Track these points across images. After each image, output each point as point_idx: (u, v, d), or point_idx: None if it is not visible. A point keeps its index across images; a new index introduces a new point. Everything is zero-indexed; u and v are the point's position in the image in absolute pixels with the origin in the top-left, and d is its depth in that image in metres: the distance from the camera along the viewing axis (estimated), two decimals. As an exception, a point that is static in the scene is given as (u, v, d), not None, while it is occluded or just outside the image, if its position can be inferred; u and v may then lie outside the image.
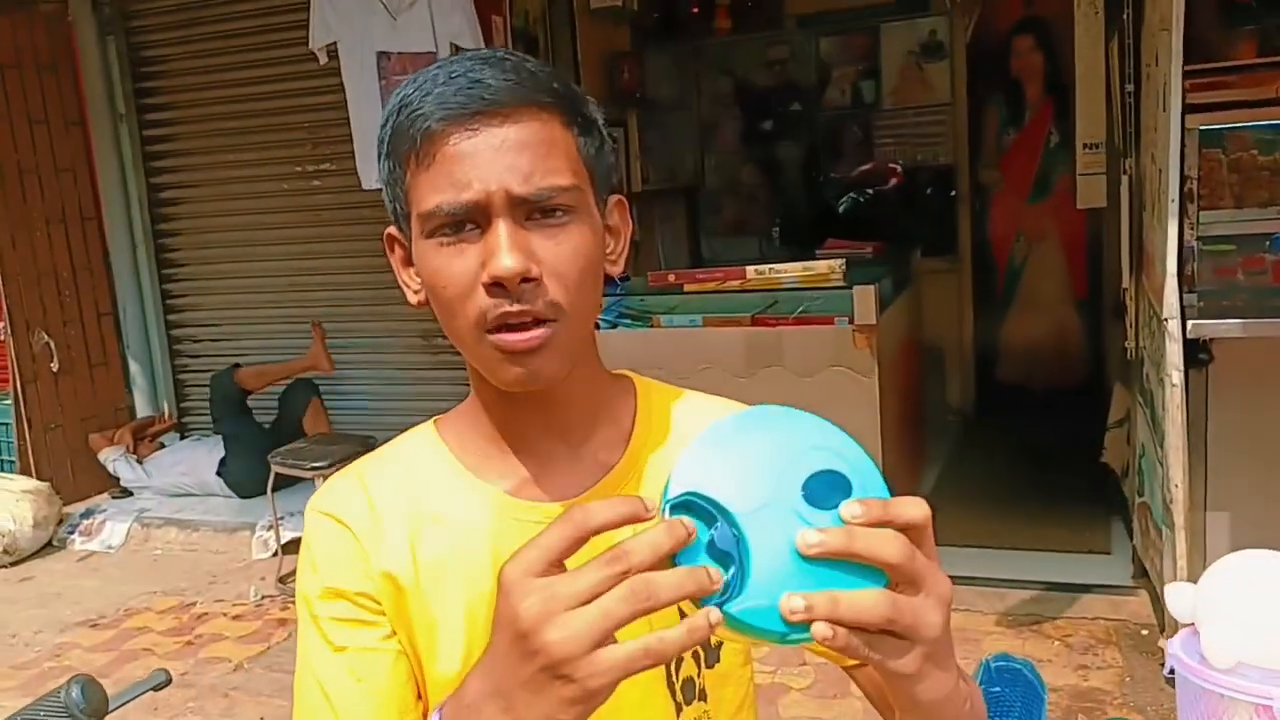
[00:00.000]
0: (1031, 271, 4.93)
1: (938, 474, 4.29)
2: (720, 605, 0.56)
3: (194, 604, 3.81)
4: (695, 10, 5.27)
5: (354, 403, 4.75)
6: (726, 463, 0.59)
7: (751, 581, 0.56)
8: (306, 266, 4.81)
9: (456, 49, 3.48)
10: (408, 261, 0.81)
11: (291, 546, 4.04)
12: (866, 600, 0.56)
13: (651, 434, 0.86)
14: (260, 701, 3.05)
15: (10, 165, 4.59)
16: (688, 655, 0.84)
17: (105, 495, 4.81)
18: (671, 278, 3.62)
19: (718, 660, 0.86)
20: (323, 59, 3.49)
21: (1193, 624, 1.13)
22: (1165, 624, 2.75)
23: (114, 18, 4.88)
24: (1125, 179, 3.10)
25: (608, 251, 0.82)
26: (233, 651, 3.39)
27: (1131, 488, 3.30)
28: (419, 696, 0.82)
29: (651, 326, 3.43)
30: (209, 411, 4.75)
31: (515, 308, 0.73)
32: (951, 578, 0.61)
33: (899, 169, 5.18)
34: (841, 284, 3.36)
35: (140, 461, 4.78)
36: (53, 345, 4.73)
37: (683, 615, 0.57)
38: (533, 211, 0.73)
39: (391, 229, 0.82)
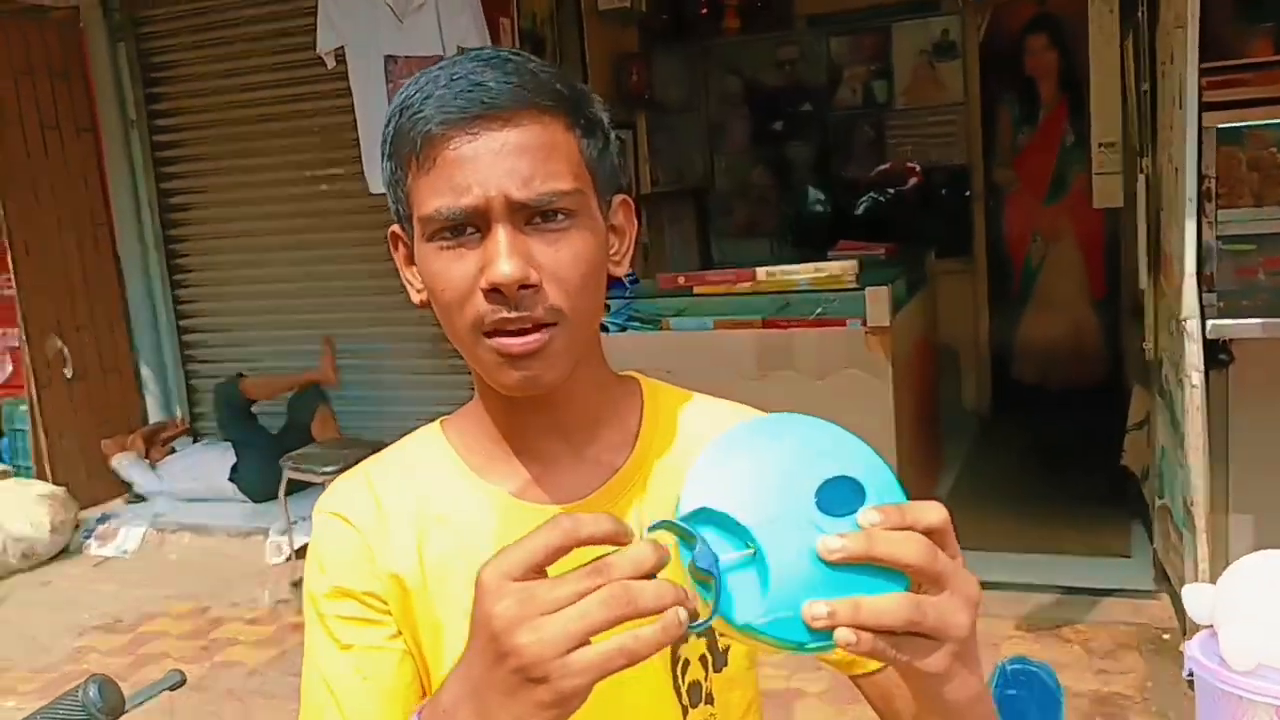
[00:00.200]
0: (1048, 271, 4.89)
1: (954, 477, 4.26)
2: (741, 617, 0.56)
3: (209, 608, 3.83)
4: (704, 11, 5.25)
5: (362, 408, 4.75)
6: (737, 475, 0.59)
7: (773, 593, 0.56)
8: (316, 271, 4.82)
9: (464, 52, 3.48)
10: (410, 260, 0.81)
11: (305, 551, 4.04)
12: (888, 603, 0.56)
13: (658, 436, 0.86)
14: (275, 705, 3.07)
15: (22, 171, 4.62)
16: (694, 659, 0.84)
17: (120, 500, 4.83)
18: (681, 280, 3.61)
19: (725, 664, 0.85)
20: (330, 63, 3.50)
21: (1211, 626, 1.11)
22: (1187, 628, 2.70)
23: (125, 24, 4.90)
24: (1142, 178, 3.07)
25: (611, 252, 0.82)
26: (247, 655, 3.40)
27: (1152, 490, 3.26)
28: (424, 696, 0.82)
29: (661, 329, 3.41)
30: (216, 419, 4.77)
31: (513, 314, 0.73)
32: (971, 581, 0.60)
33: (917, 169, 5.15)
34: (854, 285, 3.33)
35: (153, 466, 4.80)
36: (66, 351, 4.76)
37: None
38: (533, 216, 0.73)
39: (395, 228, 0.83)
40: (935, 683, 0.59)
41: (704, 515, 0.58)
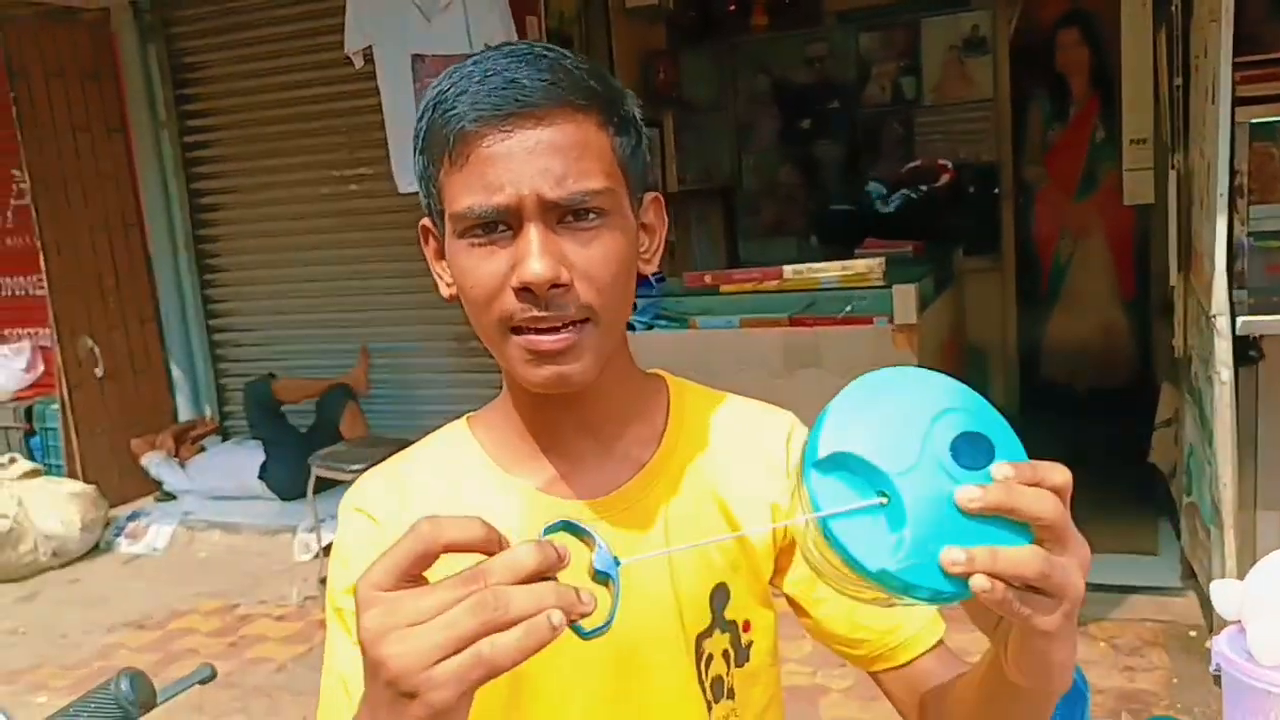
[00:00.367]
0: (1077, 269, 4.85)
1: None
2: (873, 562, 0.56)
3: (237, 605, 3.87)
4: (732, 8, 5.23)
5: (390, 406, 4.79)
6: (871, 423, 0.59)
7: (909, 538, 0.57)
8: (344, 271, 4.86)
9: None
10: (440, 254, 0.82)
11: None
12: (1024, 555, 0.56)
13: (684, 432, 0.86)
14: (303, 701, 3.08)
15: (54, 173, 4.67)
16: (717, 654, 0.84)
17: (150, 498, 4.88)
18: (708, 279, 3.61)
19: (747, 660, 0.86)
20: (358, 63, 3.51)
21: (1239, 621, 1.11)
22: (1214, 625, 2.70)
23: (155, 25, 4.96)
24: (1173, 174, 3.04)
25: (641, 250, 0.82)
26: (276, 652, 3.43)
27: (1179, 488, 3.24)
28: None
29: (688, 328, 3.42)
30: (246, 418, 4.81)
31: (544, 313, 0.73)
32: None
33: (949, 166, 5.11)
34: (881, 283, 3.32)
35: (182, 465, 4.84)
36: (97, 351, 4.81)
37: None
38: (564, 215, 0.73)
39: (425, 221, 0.83)
40: (1045, 641, 0.60)
41: (839, 459, 0.58)
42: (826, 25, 5.31)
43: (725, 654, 0.85)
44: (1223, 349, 2.46)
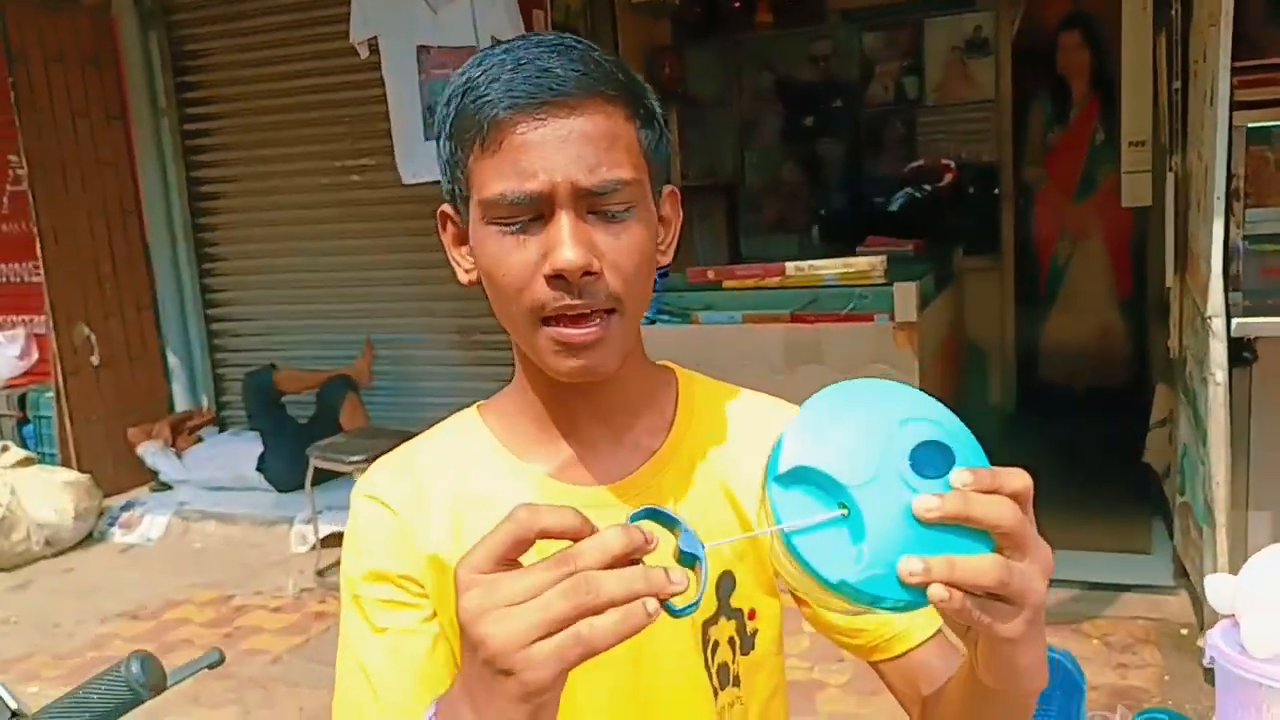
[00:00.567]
0: (1075, 270, 4.88)
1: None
2: (834, 574, 0.57)
3: (233, 596, 3.85)
4: (737, 4, 5.24)
5: (391, 398, 4.78)
6: (832, 436, 0.60)
7: (868, 550, 0.57)
8: (345, 261, 4.84)
9: (498, 43, 3.50)
10: (460, 240, 0.82)
11: (330, 540, 4.05)
12: (982, 563, 0.57)
13: (693, 423, 0.88)
14: (299, 693, 3.08)
15: (52, 159, 4.64)
16: (723, 641, 0.85)
17: (145, 488, 4.85)
18: (711, 274, 3.63)
19: (752, 648, 0.87)
20: (363, 53, 3.50)
21: (1232, 615, 1.14)
22: (1205, 623, 2.73)
23: (156, 12, 4.93)
24: (1171, 176, 3.07)
25: (659, 242, 0.82)
26: (272, 644, 3.42)
27: (1173, 487, 3.27)
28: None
29: (691, 323, 3.44)
30: (245, 409, 4.79)
31: (578, 302, 0.74)
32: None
33: (952, 165, 5.14)
34: (882, 281, 3.35)
35: (179, 455, 4.81)
36: (93, 338, 4.78)
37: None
38: (594, 204, 0.74)
39: (445, 207, 0.83)
40: (1010, 647, 0.60)
41: (800, 473, 0.59)
42: (830, 24, 5.33)
43: (731, 641, 0.86)
44: (1218, 350, 2.48)
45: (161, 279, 5.14)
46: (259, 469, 4.58)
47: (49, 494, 4.36)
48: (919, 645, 0.88)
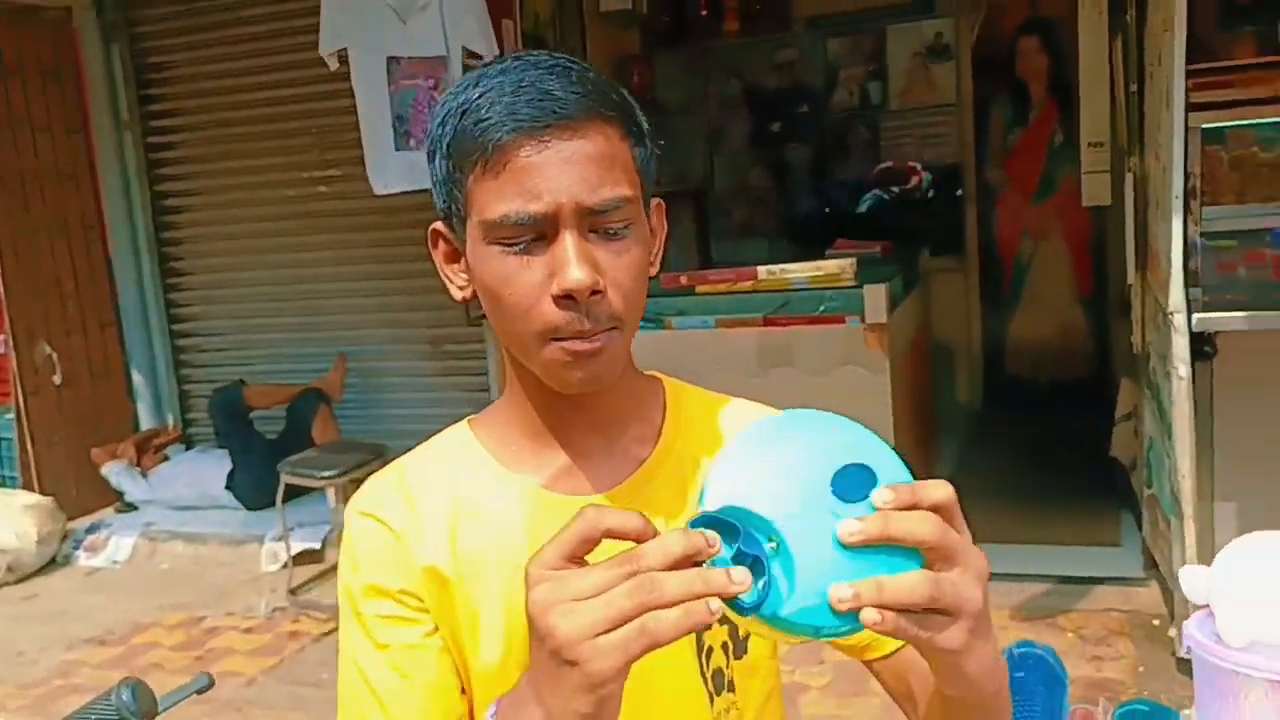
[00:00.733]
0: (1037, 269, 4.97)
1: (949, 471, 4.32)
2: (768, 608, 0.58)
3: (203, 618, 3.79)
4: (704, 13, 5.30)
5: (363, 411, 4.75)
6: (755, 472, 0.61)
7: (798, 582, 0.58)
8: (312, 274, 4.80)
9: (469, 53, 3.50)
10: (453, 258, 0.83)
11: (302, 558, 4.02)
12: (909, 581, 0.58)
13: (681, 431, 0.89)
14: (274, 715, 3.04)
15: (12, 173, 4.56)
16: (717, 646, 0.86)
17: (109, 510, 4.76)
18: (683, 279, 3.65)
19: (745, 652, 0.88)
20: (333, 65, 3.48)
21: (1207, 605, 1.17)
22: (1176, 614, 2.79)
23: (118, 24, 4.87)
24: (1130, 176, 3.14)
25: (649, 254, 0.84)
26: (245, 665, 3.36)
27: (1140, 480, 3.34)
28: (462, 690, 0.84)
29: (664, 329, 3.46)
30: (212, 426, 4.72)
31: (588, 326, 0.75)
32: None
33: (919, 168, 5.21)
34: (853, 283, 3.39)
35: (144, 475, 4.73)
36: (55, 357, 4.69)
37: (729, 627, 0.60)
38: (596, 223, 0.76)
39: (438, 225, 0.84)
40: (954, 657, 0.61)
41: (727, 513, 0.60)
42: (796, 31, 5.39)
43: (725, 646, 0.87)
44: (1180, 345, 2.53)
45: (125, 295, 5.06)
46: (228, 487, 4.52)
47: (10, 518, 4.27)
48: (906, 644, 0.89)
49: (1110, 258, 4.40)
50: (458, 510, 0.84)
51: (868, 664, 0.91)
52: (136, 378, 5.12)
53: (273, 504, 3.91)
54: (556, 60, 0.77)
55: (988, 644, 0.63)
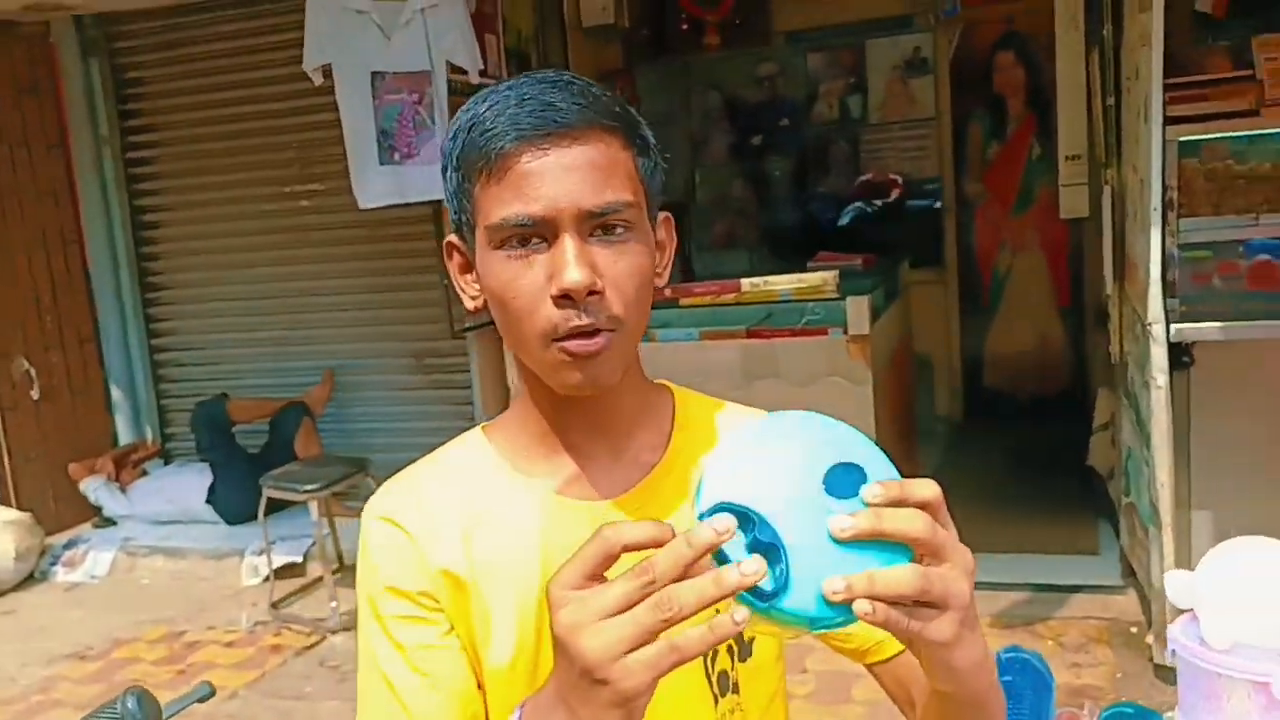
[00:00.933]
0: (1016, 280, 5.04)
1: (929, 480, 4.35)
2: (772, 598, 0.60)
3: (184, 632, 3.77)
4: (685, 27, 5.33)
5: (346, 424, 4.73)
6: (749, 470, 0.63)
7: (793, 576, 0.60)
8: (293, 288, 4.78)
9: (453, 68, 3.51)
10: (467, 269, 0.86)
11: (284, 572, 4.01)
12: (900, 574, 0.60)
13: (689, 437, 0.91)
14: (257, 730, 3.04)
15: (-11, 189, 4.53)
16: (722, 649, 0.88)
17: (88, 525, 4.73)
18: (668, 291, 3.66)
19: (750, 654, 0.89)
20: (318, 80, 3.48)
21: (1191, 610, 1.19)
22: (1154, 621, 2.82)
23: (97, 39, 4.84)
24: (1107, 189, 3.18)
25: (656, 265, 0.86)
26: (227, 679, 3.33)
27: (1118, 489, 3.37)
28: (479, 688, 0.86)
29: (649, 341, 3.47)
30: (194, 440, 4.69)
31: (585, 321, 0.77)
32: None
33: (899, 181, 5.27)
34: (835, 295, 3.42)
35: (123, 490, 4.70)
36: (33, 372, 4.66)
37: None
38: (595, 228, 0.78)
39: (452, 237, 0.87)
40: (944, 650, 0.63)
41: (722, 509, 0.61)
42: (776, 45, 5.43)
43: (729, 649, 0.88)
44: (1158, 355, 2.57)
45: (104, 310, 5.03)
46: (208, 501, 4.49)
47: (-12, 534, 4.23)
48: (906, 649, 0.90)
49: (1088, 269, 4.45)
50: (471, 514, 0.86)
51: (869, 668, 0.93)
52: (115, 393, 5.08)
53: (254, 518, 3.89)
54: (560, 76, 0.80)
55: (976, 638, 0.65)
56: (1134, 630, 3.04)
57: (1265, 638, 1.11)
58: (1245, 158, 2.85)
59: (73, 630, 3.87)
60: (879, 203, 5.29)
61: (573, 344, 0.78)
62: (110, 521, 4.72)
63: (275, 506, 3.88)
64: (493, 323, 0.85)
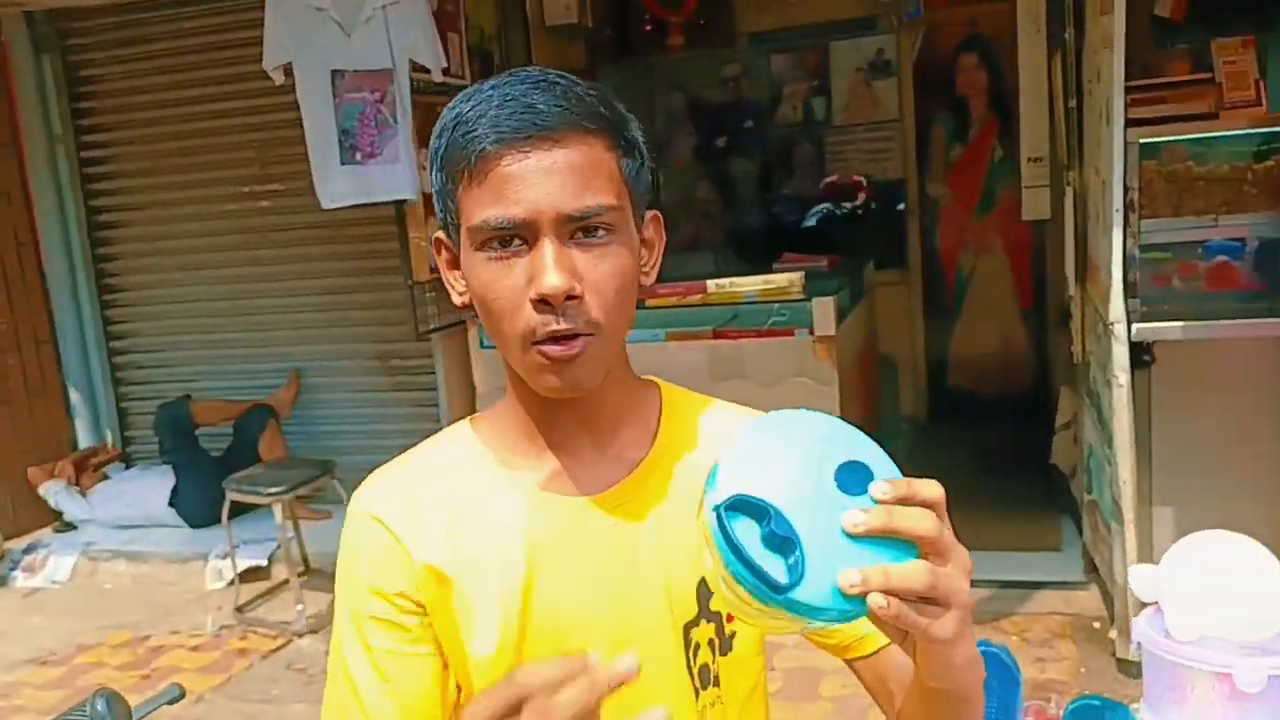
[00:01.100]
0: (979, 282, 5.09)
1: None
2: (787, 590, 0.61)
3: (148, 637, 3.73)
4: (649, 28, 5.33)
5: (310, 427, 4.68)
6: (764, 465, 0.64)
7: (808, 568, 0.61)
8: (256, 289, 4.72)
9: (415, 66, 3.48)
10: (453, 265, 0.87)
11: (248, 575, 3.98)
12: (912, 569, 0.62)
13: (676, 434, 0.91)
14: (224, 733, 3.02)
15: (-61, 190, 4.43)
16: (704, 643, 0.89)
17: (48, 529, 4.66)
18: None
19: (730, 649, 0.90)
20: (278, 79, 3.44)
21: (1156, 603, 1.21)
22: (1115, 616, 2.85)
23: (49, 35, 4.74)
24: (1070, 190, 3.22)
25: (642, 264, 0.87)
26: (192, 683, 3.30)
27: (1080, 487, 3.42)
28: (458, 689, 0.88)
29: (615, 341, 3.46)
30: (157, 442, 4.64)
31: (562, 325, 0.78)
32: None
33: (864, 183, 5.30)
34: (801, 296, 3.43)
35: (83, 494, 4.64)
36: (-11, 376, 4.58)
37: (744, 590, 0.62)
38: (576, 231, 0.78)
39: (440, 234, 0.88)
40: (945, 647, 0.65)
41: (737, 501, 0.63)
42: (740, 46, 5.44)
43: (711, 643, 0.89)
44: (1120, 354, 2.60)
45: (60, 312, 4.94)
46: (171, 504, 4.44)
47: (-57, 541, 4.15)
48: (888, 644, 0.91)
49: (1050, 271, 4.51)
50: (457, 508, 0.87)
51: (849, 663, 0.94)
52: (74, 396, 5.00)
53: (218, 521, 3.86)
54: (545, 75, 0.81)
55: (971, 638, 0.67)
56: (1096, 625, 3.08)
57: (1229, 630, 1.13)
58: (1204, 160, 2.90)
59: (34, 635, 3.82)
60: (844, 204, 5.32)
61: (551, 348, 0.79)
62: (70, 526, 4.66)
63: (239, 510, 3.84)
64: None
